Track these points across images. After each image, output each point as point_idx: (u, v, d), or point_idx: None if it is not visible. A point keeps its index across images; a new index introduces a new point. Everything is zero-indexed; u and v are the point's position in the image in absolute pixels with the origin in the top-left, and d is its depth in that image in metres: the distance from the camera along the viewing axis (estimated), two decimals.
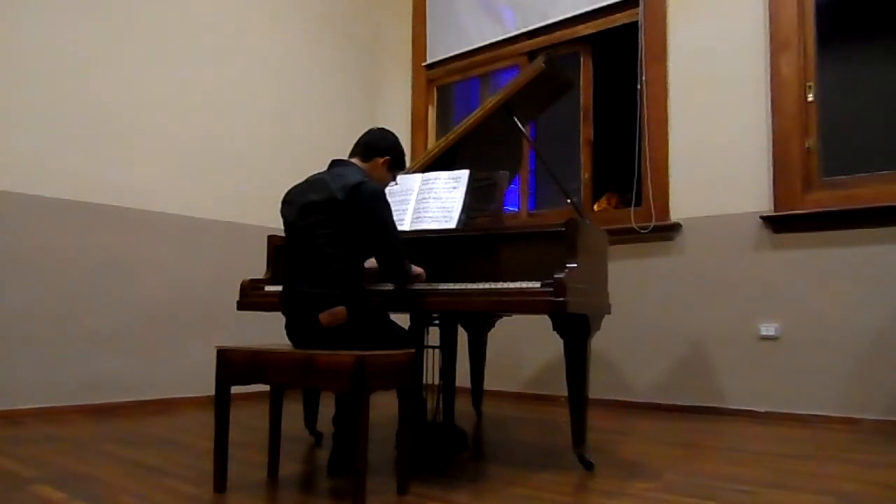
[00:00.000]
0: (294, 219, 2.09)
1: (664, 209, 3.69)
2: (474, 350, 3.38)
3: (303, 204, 2.07)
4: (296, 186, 2.18)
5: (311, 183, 2.13)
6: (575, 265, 2.02)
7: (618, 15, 3.97)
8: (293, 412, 2.93)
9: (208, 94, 3.97)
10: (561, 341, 2.18)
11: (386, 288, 2.23)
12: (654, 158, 3.74)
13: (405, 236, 2.38)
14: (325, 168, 2.21)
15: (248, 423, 3.07)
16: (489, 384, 3.73)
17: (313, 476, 2.16)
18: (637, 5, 3.86)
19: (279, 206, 2.18)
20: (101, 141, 3.47)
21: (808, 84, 3.35)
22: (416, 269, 2.18)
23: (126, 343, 3.49)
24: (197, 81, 3.92)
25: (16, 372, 3.09)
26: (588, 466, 2.20)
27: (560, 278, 1.94)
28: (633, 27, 3.91)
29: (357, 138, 2.29)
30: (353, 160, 2.22)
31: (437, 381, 2.51)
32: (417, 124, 4.92)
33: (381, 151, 2.23)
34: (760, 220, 3.38)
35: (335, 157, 2.23)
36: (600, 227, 2.72)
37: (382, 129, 2.32)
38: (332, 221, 2.01)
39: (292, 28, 4.53)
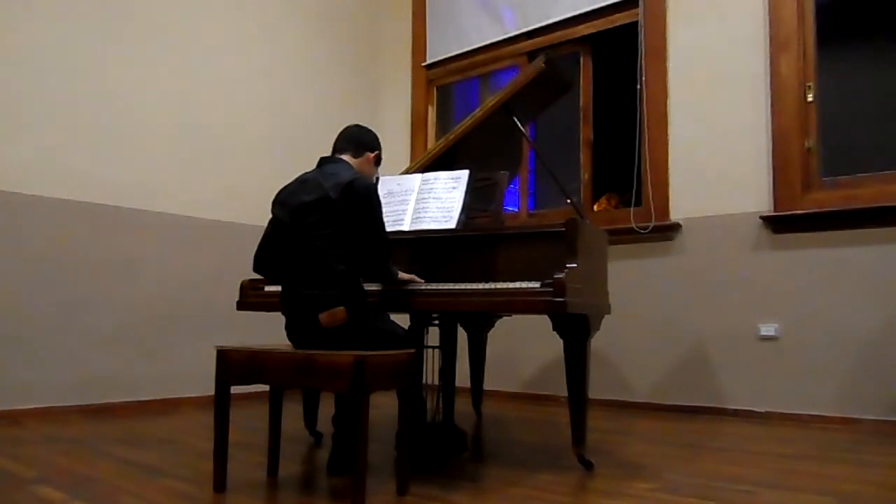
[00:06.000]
0: (288, 220, 2.08)
1: (664, 209, 3.69)
2: (474, 350, 3.38)
3: (296, 205, 2.06)
4: (286, 187, 2.17)
5: (303, 182, 2.12)
6: (575, 265, 2.02)
7: (618, 15, 3.97)
8: (293, 412, 2.92)
9: (209, 94, 3.97)
10: (561, 341, 2.18)
11: (386, 288, 2.23)
12: (654, 159, 3.74)
13: (405, 236, 2.39)
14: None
15: (248, 424, 3.07)
16: (489, 384, 3.73)
17: (313, 476, 2.16)
18: (637, 5, 3.86)
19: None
20: (102, 141, 3.47)
21: (808, 84, 3.35)
22: (405, 276, 2.18)
23: (126, 343, 3.49)
24: (197, 82, 3.92)
25: (15, 372, 3.09)
26: (588, 466, 2.20)
27: (560, 278, 1.94)
28: (632, 27, 3.91)
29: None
30: (344, 157, 2.21)
31: (436, 382, 2.51)
32: (417, 124, 4.92)
33: (369, 147, 2.28)
34: (760, 221, 3.38)
35: (323, 156, 2.23)
36: (600, 228, 2.72)
37: (359, 125, 2.35)
38: (329, 222, 2.01)
39: (292, 28, 4.53)
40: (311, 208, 2.03)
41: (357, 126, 2.33)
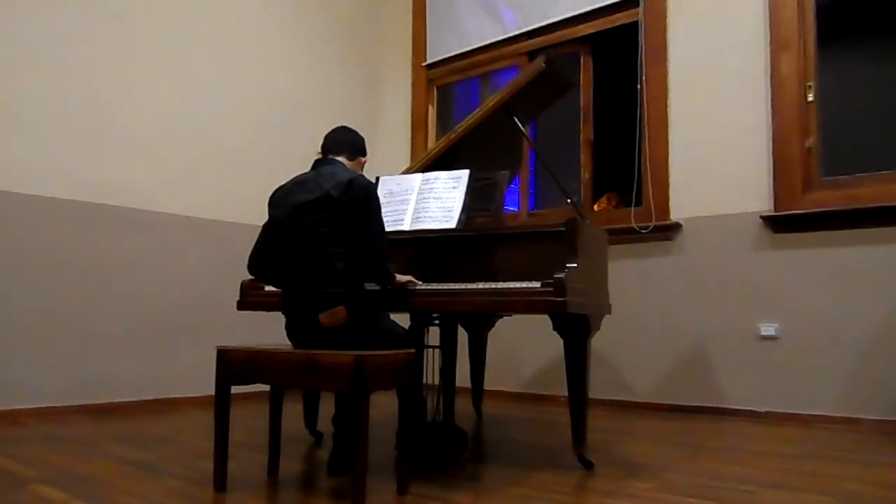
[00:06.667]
0: (287, 219, 2.07)
1: (664, 209, 3.69)
2: (474, 350, 3.38)
3: (295, 204, 2.06)
4: (281, 187, 2.17)
5: (300, 183, 2.12)
6: (575, 265, 2.02)
7: (618, 15, 3.97)
8: (293, 412, 2.92)
9: (208, 94, 3.97)
10: (561, 341, 2.18)
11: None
12: (654, 158, 3.74)
13: (405, 236, 2.39)
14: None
15: (249, 423, 3.07)
16: (489, 384, 3.73)
17: (313, 476, 2.16)
18: (637, 5, 3.86)
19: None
20: (101, 141, 3.47)
21: (808, 84, 3.35)
22: (402, 278, 2.17)
23: (126, 343, 3.49)
24: (197, 81, 3.92)
25: (15, 372, 3.09)
26: (588, 466, 2.20)
27: (560, 278, 1.94)
28: (633, 27, 3.91)
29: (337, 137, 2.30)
30: (340, 159, 2.21)
31: (437, 381, 2.51)
32: (417, 124, 4.92)
33: (362, 152, 2.31)
34: (760, 220, 3.38)
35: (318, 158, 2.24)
36: (600, 227, 2.72)
37: (347, 127, 2.34)
38: (330, 220, 2.01)
39: (292, 28, 4.53)
40: (312, 207, 2.02)
41: (346, 129, 2.33)
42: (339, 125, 2.37)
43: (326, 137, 2.28)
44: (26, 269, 3.17)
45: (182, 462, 2.27)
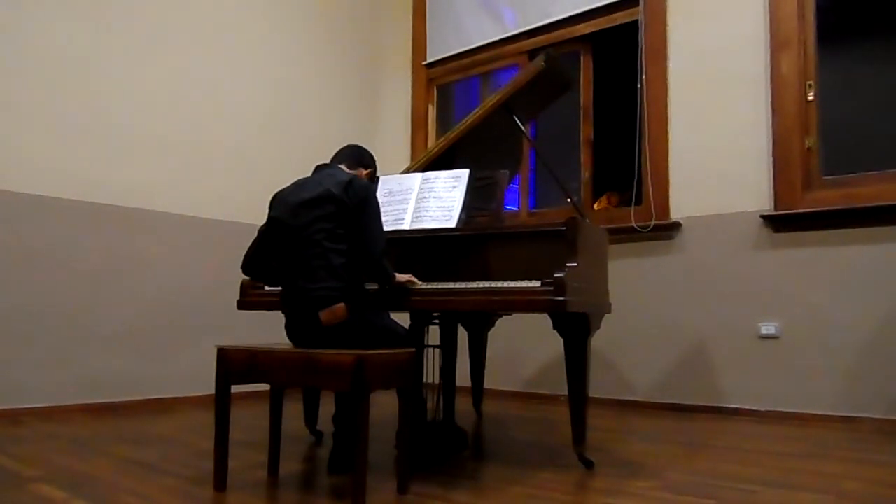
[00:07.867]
0: (288, 217, 2.08)
1: (664, 208, 3.69)
2: (474, 349, 3.38)
3: (298, 202, 2.07)
4: (283, 189, 2.19)
5: (302, 185, 2.15)
6: (575, 264, 2.02)
7: (618, 14, 3.97)
8: (293, 411, 2.93)
9: (208, 93, 3.97)
10: (561, 340, 2.18)
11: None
12: (655, 157, 3.74)
13: (405, 235, 2.39)
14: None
15: (249, 423, 3.07)
16: (489, 383, 3.73)
17: (313, 475, 2.16)
18: (637, 4, 3.86)
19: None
20: (102, 140, 3.47)
21: (809, 83, 3.35)
22: (402, 277, 2.18)
23: (126, 342, 3.50)
24: (197, 81, 3.92)
25: (16, 371, 3.10)
26: (588, 465, 2.20)
27: (560, 277, 1.94)
28: (633, 26, 3.91)
29: (343, 145, 2.40)
30: (340, 166, 2.27)
31: (437, 381, 2.51)
32: (417, 123, 4.92)
33: (364, 164, 2.36)
34: (760, 220, 3.38)
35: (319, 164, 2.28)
36: (600, 227, 2.72)
37: (358, 145, 2.43)
38: (330, 216, 2.02)
39: (292, 28, 4.53)
40: (313, 204, 2.04)
41: (355, 145, 2.41)
42: (350, 143, 2.45)
43: (335, 152, 2.37)
44: (27, 267, 3.17)
45: (182, 461, 2.28)
